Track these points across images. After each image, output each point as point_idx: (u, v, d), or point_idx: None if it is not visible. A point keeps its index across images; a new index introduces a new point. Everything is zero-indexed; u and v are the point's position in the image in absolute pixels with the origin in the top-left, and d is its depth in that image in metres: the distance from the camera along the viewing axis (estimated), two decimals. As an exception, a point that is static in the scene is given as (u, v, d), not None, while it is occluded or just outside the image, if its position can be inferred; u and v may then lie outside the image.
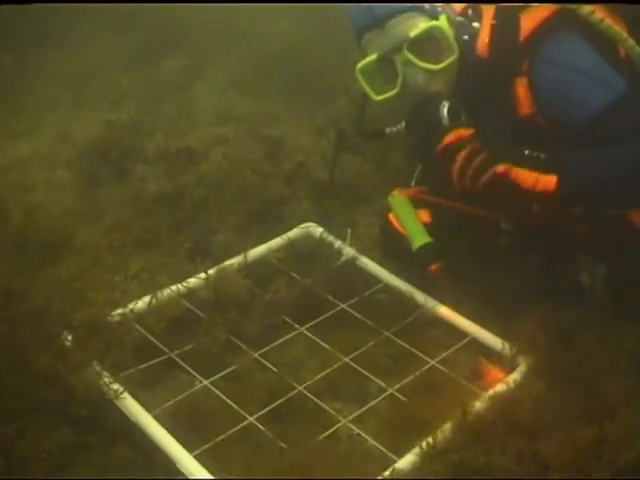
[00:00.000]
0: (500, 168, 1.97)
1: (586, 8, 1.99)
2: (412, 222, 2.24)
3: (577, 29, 2.02)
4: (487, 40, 2.05)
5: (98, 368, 1.96)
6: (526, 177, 1.97)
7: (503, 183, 1.99)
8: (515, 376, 1.96)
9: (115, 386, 1.92)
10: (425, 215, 2.29)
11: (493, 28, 2.05)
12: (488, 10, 2.08)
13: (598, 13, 1.99)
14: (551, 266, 2.25)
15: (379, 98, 2.13)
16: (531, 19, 2.03)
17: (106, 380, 1.93)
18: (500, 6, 2.07)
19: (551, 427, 1.77)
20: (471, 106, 2.09)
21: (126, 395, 1.90)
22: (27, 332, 1.97)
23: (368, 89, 2.13)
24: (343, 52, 2.13)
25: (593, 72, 1.98)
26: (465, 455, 1.71)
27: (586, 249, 2.18)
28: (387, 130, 2.20)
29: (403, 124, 2.16)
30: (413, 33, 2.02)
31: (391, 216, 2.34)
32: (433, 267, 2.16)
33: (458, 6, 2.15)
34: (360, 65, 2.10)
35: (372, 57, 2.07)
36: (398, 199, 2.28)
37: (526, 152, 2.00)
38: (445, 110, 2.03)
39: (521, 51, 2.02)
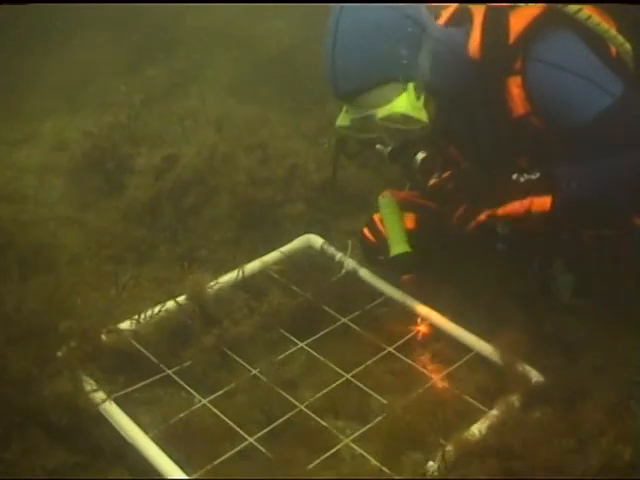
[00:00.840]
0: (482, 217, 1.98)
1: (572, 7, 1.96)
2: (395, 227, 2.23)
3: (567, 27, 1.98)
4: (478, 41, 2.00)
5: (93, 387, 1.91)
6: (517, 208, 1.95)
7: (492, 223, 2.00)
8: (521, 394, 1.91)
9: (111, 406, 1.88)
10: (411, 221, 2.29)
11: (484, 29, 2.00)
12: (479, 11, 2.04)
13: (585, 11, 1.96)
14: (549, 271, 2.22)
15: (361, 137, 2.12)
16: (520, 17, 1.99)
17: (101, 400, 1.89)
18: (490, 6, 2.03)
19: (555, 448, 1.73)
20: (461, 117, 2.08)
21: (122, 415, 1.86)
22: (18, 349, 1.93)
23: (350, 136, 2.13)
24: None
25: (588, 73, 1.94)
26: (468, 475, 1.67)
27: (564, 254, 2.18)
28: (377, 146, 2.17)
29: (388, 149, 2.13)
30: (381, 114, 1.98)
31: (375, 217, 2.33)
32: (406, 277, 2.19)
33: (446, 13, 2.11)
34: (338, 123, 2.08)
35: (347, 122, 2.06)
36: (387, 201, 2.25)
37: (514, 177, 1.97)
38: (419, 161, 2.05)
39: (513, 50, 1.98)
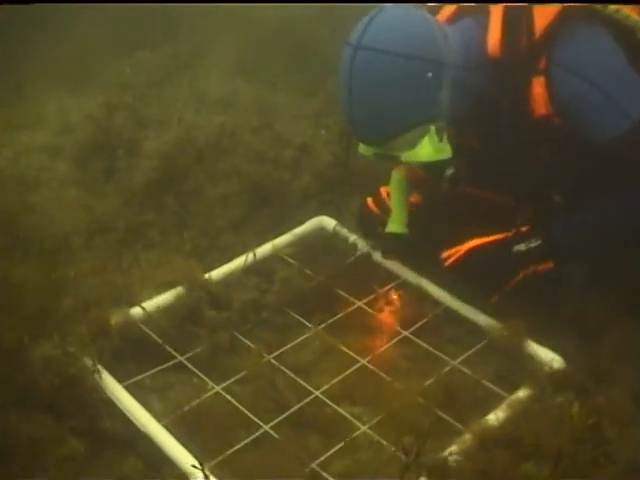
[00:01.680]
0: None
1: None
2: (399, 205, 2.19)
3: (594, 22, 1.92)
4: (498, 38, 1.93)
5: (104, 374, 1.87)
6: (521, 277, 2.00)
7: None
8: (543, 379, 1.86)
9: (123, 393, 1.84)
10: (416, 198, 2.28)
11: (504, 24, 1.93)
12: (497, 5, 1.95)
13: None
14: None
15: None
16: (544, 13, 1.91)
17: (112, 387, 1.85)
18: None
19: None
20: (477, 125, 2.03)
21: (134, 402, 1.82)
22: (26, 336, 1.89)
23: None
24: (342, 27, 2.02)
25: (611, 88, 1.88)
26: (489, 462, 1.62)
27: None
28: None
29: None
30: (405, 159, 1.97)
31: (382, 190, 2.31)
32: (389, 256, 2.24)
33: (448, 10, 2.04)
34: (360, 151, 2.04)
35: (369, 153, 2.02)
36: (399, 177, 2.20)
37: (515, 248, 1.98)
38: (447, 175, 2.06)
39: (537, 49, 1.91)
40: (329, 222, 2.41)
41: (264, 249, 2.31)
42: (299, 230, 2.38)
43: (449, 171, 2.05)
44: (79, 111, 3.24)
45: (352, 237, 2.34)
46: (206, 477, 1.55)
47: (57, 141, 3.13)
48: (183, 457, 1.68)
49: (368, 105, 1.89)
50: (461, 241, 2.06)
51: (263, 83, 3.52)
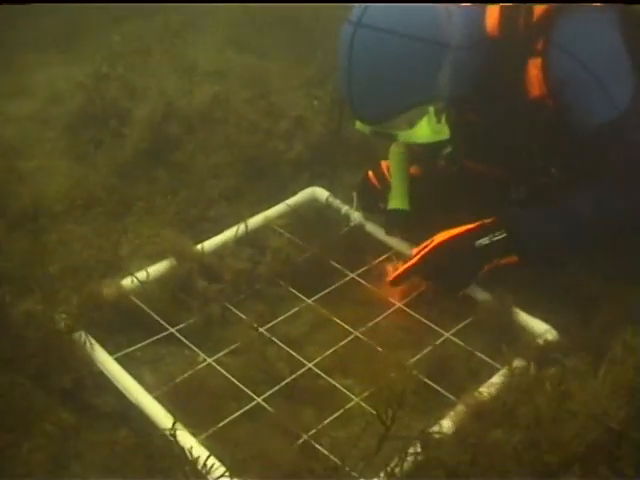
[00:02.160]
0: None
1: None
2: (400, 181, 2.17)
3: (599, 9, 1.90)
4: (497, 16, 1.91)
5: (94, 345, 1.86)
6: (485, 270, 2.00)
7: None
8: (535, 350, 1.85)
9: (114, 365, 1.83)
10: (416, 169, 2.25)
11: (503, 4, 1.91)
12: None
13: None
14: None
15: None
16: None
17: (103, 359, 1.83)
18: None
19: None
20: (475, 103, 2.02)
21: (125, 375, 1.80)
22: (17, 308, 1.87)
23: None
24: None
25: (604, 75, 1.87)
26: (482, 437, 1.61)
27: None
28: None
29: None
30: (402, 139, 1.97)
31: (383, 164, 2.28)
32: (391, 232, 2.23)
33: None
34: (357, 127, 2.02)
35: (366, 130, 2.00)
36: (399, 151, 2.17)
37: (478, 242, 1.96)
38: (444, 154, 2.08)
39: (535, 30, 1.89)
40: (322, 193, 2.39)
41: (256, 220, 2.29)
42: (291, 201, 2.35)
43: (446, 150, 2.05)
44: (68, 80, 3.18)
45: (344, 208, 2.32)
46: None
47: (46, 110, 3.09)
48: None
49: (367, 84, 1.87)
50: (432, 234, 2.05)
51: (254, 54, 3.47)
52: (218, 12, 3.78)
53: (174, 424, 1.59)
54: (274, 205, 2.35)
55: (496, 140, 2.05)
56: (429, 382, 1.81)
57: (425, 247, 2.01)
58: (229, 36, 3.64)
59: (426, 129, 1.91)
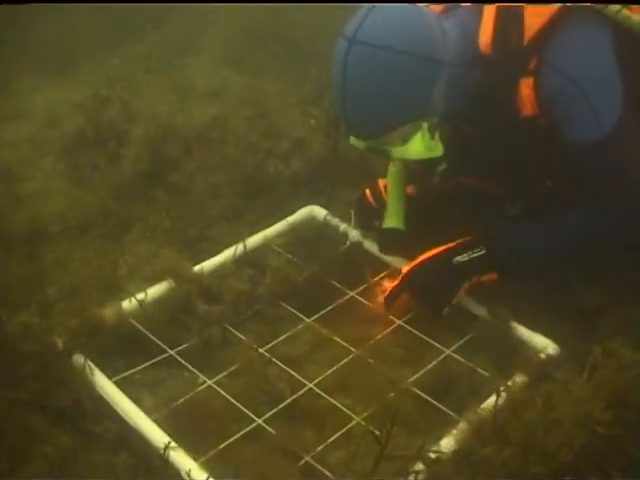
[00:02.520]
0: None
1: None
2: (396, 200, 2.17)
3: (589, 23, 1.90)
4: (490, 35, 1.91)
5: (93, 369, 1.85)
6: (466, 287, 2.01)
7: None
8: (537, 365, 1.84)
9: (112, 389, 1.82)
10: (412, 189, 2.25)
11: (496, 23, 1.91)
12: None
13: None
14: None
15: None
16: (537, 15, 1.88)
17: (102, 383, 1.82)
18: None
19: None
20: (467, 119, 2.03)
21: (124, 398, 1.79)
22: (16, 331, 1.86)
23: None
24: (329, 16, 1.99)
25: (594, 93, 1.87)
26: (486, 455, 1.59)
27: None
28: None
29: None
30: (396, 155, 1.96)
31: (380, 182, 2.29)
32: (385, 252, 2.21)
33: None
34: (352, 143, 2.00)
35: (360, 145, 1.98)
36: (396, 170, 2.17)
37: (457, 259, 1.98)
38: (438, 171, 2.04)
39: (527, 50, 1.89)
40: (320, 212, 2.38)
41: (254, 240, 2.28)
42: (289, 220, 2.35)
43: (441, 167, 2.03)
44: (65, 104, 3.19)
45: (342, 226, 2.31)
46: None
47: (43, 133, 3.08)
48: (175, 452, 1.66)
49: (361, 99, 1.86)
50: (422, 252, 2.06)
51: (251, 73, 3.48)
52: (215, 31, 3.80)
53: (167, 445, 1.58)
54: (272, 224, 2.34)
55: (490, 157, 2.05)
56: (430, 399, 1.79)
57: (409, 266, 2.03)
58: (225, 55, 3.65)
59: (419, 145, 1.91)
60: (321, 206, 2.43)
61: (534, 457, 1.49)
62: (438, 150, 1.93)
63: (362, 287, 2.15)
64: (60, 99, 3.29)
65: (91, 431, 1.78)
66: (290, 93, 3.24)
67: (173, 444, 1.67)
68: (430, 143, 1.91)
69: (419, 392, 1.83)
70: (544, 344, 1.91)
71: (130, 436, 1.75)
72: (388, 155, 1.97)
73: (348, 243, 2.27)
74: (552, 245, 1.97)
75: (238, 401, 1.83)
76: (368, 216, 2.29)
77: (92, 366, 1.85)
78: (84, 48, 3.73)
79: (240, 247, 2.24)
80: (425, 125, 1.89)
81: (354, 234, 2.28)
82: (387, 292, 2.05)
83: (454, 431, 1.68)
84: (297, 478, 1.65)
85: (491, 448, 1.52)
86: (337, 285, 2.16)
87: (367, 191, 2.31)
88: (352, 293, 2.12)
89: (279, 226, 2.33)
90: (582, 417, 1.52)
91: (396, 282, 2.04)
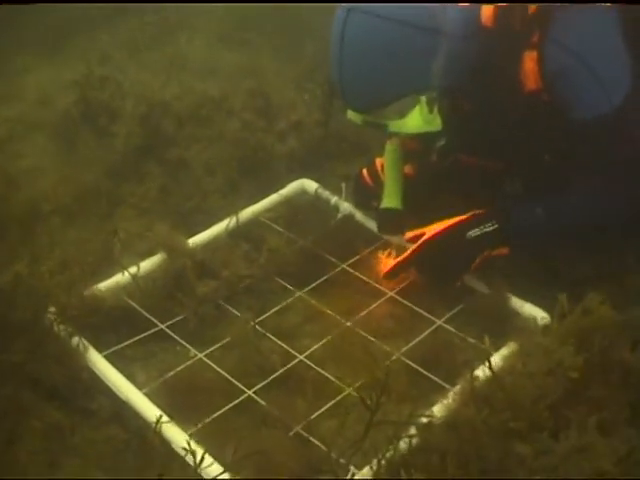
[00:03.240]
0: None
1: None
2: (393, 179, 2.14)
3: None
4: (492, 7, 1.88)
5: (85, 344, 1.85)
6: (478, 263, 1.98)
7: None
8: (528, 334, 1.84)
9: (104, 363, 1.82)
10: (410, 169, 2.22)
11: None
12: None
13: None
14: None
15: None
16: None
17: (93, 357, 1.82)
18: None
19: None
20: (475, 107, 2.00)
21: (115, 372, 1.80)
22: (5, 305, 1.86)
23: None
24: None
25: (601, 68, 1.84)
26: (468, 415, 1.60)
27: None
28: None
29: None
30: (393, 129, 1.94)
31: (378, 161, 2.25)
32: (383, 232, 2.16)
33: None
34: (349, 117, 1.99)
35: (358, 120, 1.96)
36: (393, 149, 2.15)
37: (468, 235, 1.94)
38: (437, 147, 2.04)
39: (531, 22, 1.86)
40: (311, 185, 2.37)
41: (246, 213, 2.28)
42: (281, 193, 2.34)
43: (440, 143, 2.02)
44: (57, 82, 3.17)
45: (334, 199, 2.30)
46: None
47: (35, 112, 3.06)
48: (167, 425, 1.66)
49: (358, 70, 1.84)
50: (423, 225, 2.03)
51: (242, 48, 3.47)
52: (210, 9, 3.77)
53: (159, 419, 1.58)
54: (264, 197, 2.34)
55: (490, 133, 2.02)
56: (420, 369, 1.79)
57: (417, 240, 2.00)
58: (220, 33, 3.63)
59: (418, 119, 1.89)
60: (314, 180, 2.41)
61: (513, 414, 1.49)
62: (436, 124, 1.91)
63: (353, 259, 2.14)
64: (52, 78, 3.27)
65: (83, 406, 1.78)
66: (283, 68, 3.23)
67: (165, 417, 1.68)
68: (428, 117, 1.89)
69: (409, 362, 1.82)
70: (535, 313, 1.90)
71: (122, 410, 1.76)
72: (385, 129, 1.95)
73: (340, 216, 2.26)
74: (561, 220, 1.94)
75: (230, 374, 1.83)
76: (365, 196, 2.27)
77: (83, 341, 1.85)
78: (77, 26, 3.71)
79: (232, 220, 2.23)
80: (423, 98, 1.87)
81: (345, 207, 2.27)
82: (392, 265, 2.03)
83: (444, 399, 1.67)
84: (287, 448, 1.65)
85: (473, 409, 1.52)
86: (329, 257, 2.15)
87: (364, 171, 2.28)
88: (343, 265, 2.12)
89: (271, 199, 2.33)
90: (551, 365, 1.55)
91: (403, 256, 2.01)
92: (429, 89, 1.87)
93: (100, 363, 1.82)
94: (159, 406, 1.71)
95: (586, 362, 1.55)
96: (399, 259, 2.02)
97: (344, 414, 1.69)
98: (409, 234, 2.04)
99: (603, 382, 1.59)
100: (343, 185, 2.30)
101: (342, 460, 1.54)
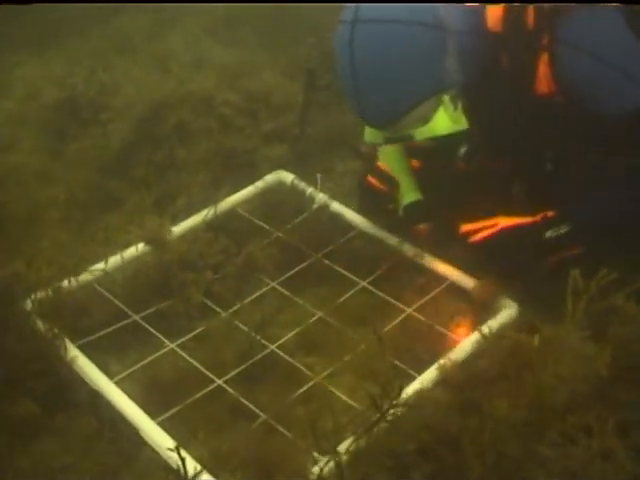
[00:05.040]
0: None
1: None
2: (404, 174, 2.12)
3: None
4: (500, 11, 1.84)
5: (60, 335, 1.88)
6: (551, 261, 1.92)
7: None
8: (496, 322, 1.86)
9: (76, 353, 1.85)
10: (416, 162, 2.18)
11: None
12: None
13: None
14: None
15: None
16: None
17: (67, 347, 1.85)
18: None
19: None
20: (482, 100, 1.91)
21: (88, 362, 1.83)
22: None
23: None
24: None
25: (621, 61, 1.79)
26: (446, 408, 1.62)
27: None
28: None
29: None
30: (421, 136, 1.86)
31: (380, 165, 2.20)
32: (421, 227, 2.10)
33: None
34: (368, 139, 1.94)
35: (378, 139, 1.92)
36: (391, 148, 2.10)
37: (544, 235, 1.89)
38: (462, 153, 1.97)
39: (541, 25, 1.82)
40: (287, 176, 2.39)
41: (223, 205, 2.29)
42: (258, 185, 2.36)
43: (463, 149, 1.97)
44: (46, 78, 3.19)
45: (309, 190, 2.32)
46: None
47: (23, 109, 3.08)
48: (134, 413, 1.70)
49: (374, 81, 1.77)
50: (482, 217, 1.99)
51: (234, 45, 3.47)
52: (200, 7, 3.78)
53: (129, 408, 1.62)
54: (241, 189, 2.36)
55: (508, 134, 1.96)
56: (390, 357, 1.81)
57: (481, 228, 1.97)
58: (209, 29, 3.63)
59: (444, 119, 1.83)
60: (290, 171, 2.43)
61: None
62: (463, 122, 1.86)
63: (328, 249, 2.16)
64: (41, 75, 3.29)
65: (56, 395, 1.80)
66: (269, 62, 3.23)
67: (135, 406, 1.71)
68: (454, 115, 1.84)
69: (380, 350, 1.84)
70: (504, 304, 1.92)
71: (96, 400, 1.79)
72: (412, 139, 1.87)
73: (315, 206, 2.28)
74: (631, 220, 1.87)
75: (203, 364, 1.85)
76: (377, 202, 2.22)
77: (57, 331, 1.87)
78: (66, 24, 3.72)
79: (210, 212, 2.26)
80: (446, 98, 1.82)
81: (320, 197, 2.29)
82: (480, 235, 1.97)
83: (413, 384, 1.72)
84: (256, 437, 1.67)
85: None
86: (303, 248, 2.16)
87: (369, 178, 2.22)
88: (317, 255, 2.14)
89: (247, 191, 2.34)
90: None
91: (482, 234, 1.97)
92: (448, 88, 1.82)
93: (74, 353, 1.84)
94: (130, 396, 1.74)
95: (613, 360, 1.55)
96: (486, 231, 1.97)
97: (314, 403, 1.73)
98: (466, 227, 2.00)
99: (629, 381, 1.58)
100: (318, 176, 2.31)
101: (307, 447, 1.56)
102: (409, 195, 2.11)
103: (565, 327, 1.60)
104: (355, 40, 1.75)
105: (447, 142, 1.92)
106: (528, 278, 1.92)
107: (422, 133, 1.85)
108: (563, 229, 1.89)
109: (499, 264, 1.96)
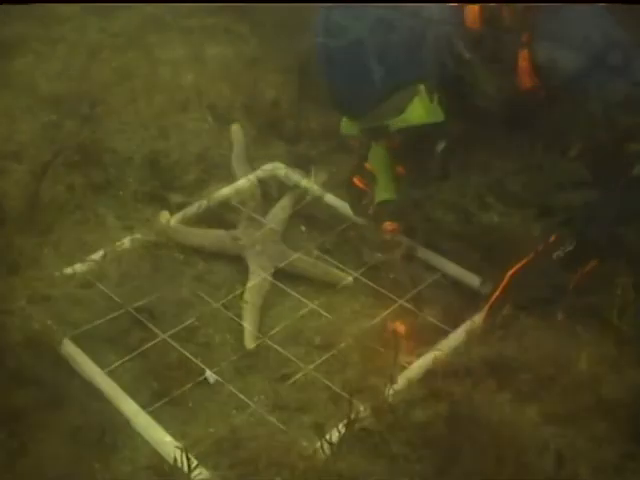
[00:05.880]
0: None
1: None
2: (383, 173, 2.12)
3: None
4: (477, 8, 1.83)
5: (52, 326, 1.89)
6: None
7: None
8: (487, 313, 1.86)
9: (69, 344, 1.86)
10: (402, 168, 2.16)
11: None
12: None
13: None
14: None
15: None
16: None
17: (59, 338, 1.86)
18: None
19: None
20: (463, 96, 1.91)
21: (79, 352, 1.84)
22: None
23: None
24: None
25: (605, 56, 1.79)
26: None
27: None
28: None
29: None
30: (396, 126, 1.86)
31: (367, 165, 2.18)
32: (388, 225, 2.10)
33: None
34: (344, 131, 1.96)
35: (354, 131, 1.93)
36: (378, 148, 2.10)
37: (555, 255, 1.85)
38: (439, 151, 1.94)
39: (520, 21, 1.82)
40: (280, 168, 2.39)
41: (217, 196, 2.30)
42: (251, 177, 2.36)
43: (440, 145, 1.95)
44: (43, 71, 3.18)
45: (303, 181, 2.32)
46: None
47: (19, 101, 3.07)
48: (125, 402, 1.71)
49: (348, 69, 1.79)
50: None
51: (229, 40, 3.47)
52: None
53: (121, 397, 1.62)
54: (235, 181, 2.36)
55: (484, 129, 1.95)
56: (378, 348, 1.82)
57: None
58: (202, 27, 3.62)
59: (419, 109, 1.84)
60: (284, 163, 2.44)
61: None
62: (439, 115, 1.86)
63: (320, 241, 2.16)
64: (36, 67, 3.28)
65: (47, 386, 1.80)
66: (259, 58, 3.22)
67: (127, 397, 1.72)
68: (430, 106, 1.84)
69: (369, 341, 1.85)
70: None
71: (87, 389, 1.80)
72: (387, 130, 1.88)
73: (308, 198, 2.28)
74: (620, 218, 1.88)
75: (193, 354, 1.86)
76: (361, 202, 2.20)
77: (49, 322, 1.88)
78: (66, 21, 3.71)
79: (204, 203, 2.27)
80: (422, 88, 1.82)
81: (315, 189, 2.29)
82: (487, 310, 1.88)
83: (404, 373, 1.73)
84: (246, 426, 1.68)
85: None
86: (296, 239, 2.17)
87: (355, 178, 2.20)
88: (310, 247, 2.14)
89: (241, 183, 2.34)
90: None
91: (494, 296, 1.88)
92: (424, 78, 1.83)
93: (65, 344, 1.85)
94: (121, 385, 1.75)
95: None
96: (491, 301, 1.88)
97: (305, 393, 1.75)
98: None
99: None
100: (312, 168, 2.32)
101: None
102: (383, 194, 2.11)
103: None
104: (330, 27, 1.78)
105: (424, 137, 1.91)
106: (558, 301, 1.88)
107: (398, 122, 1.86)
108: (569, 247, 1.86)
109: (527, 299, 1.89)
